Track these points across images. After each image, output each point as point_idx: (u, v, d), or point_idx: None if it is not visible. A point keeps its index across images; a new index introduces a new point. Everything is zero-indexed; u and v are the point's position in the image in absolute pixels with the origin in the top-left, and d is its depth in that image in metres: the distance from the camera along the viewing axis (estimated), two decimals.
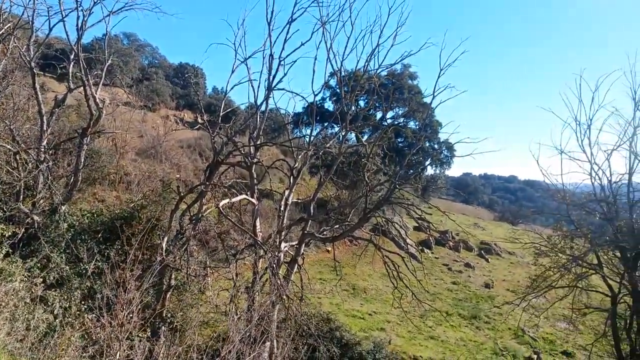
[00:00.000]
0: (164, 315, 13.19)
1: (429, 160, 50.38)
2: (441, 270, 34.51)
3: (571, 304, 18.60)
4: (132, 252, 8.38)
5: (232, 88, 15.11)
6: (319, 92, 14.91)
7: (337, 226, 15.85)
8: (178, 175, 30.05)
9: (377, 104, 17.65)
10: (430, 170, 53.06)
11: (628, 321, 17.20)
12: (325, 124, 30.65)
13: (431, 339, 21.30)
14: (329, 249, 30.95)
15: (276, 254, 13.42)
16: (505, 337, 23.51)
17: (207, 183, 13.83)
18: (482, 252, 40.71)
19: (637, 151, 18.13)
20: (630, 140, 18.09)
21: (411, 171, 36.28)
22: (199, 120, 45.97)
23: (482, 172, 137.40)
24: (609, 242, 17.89)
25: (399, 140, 48.41)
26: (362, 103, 36.61)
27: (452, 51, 12.56)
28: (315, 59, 14.30)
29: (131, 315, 6.54)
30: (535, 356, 20.34)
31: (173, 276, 13.49)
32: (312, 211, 15.24)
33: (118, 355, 6.07)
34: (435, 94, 13.31)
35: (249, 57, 14.79)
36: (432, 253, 37.85)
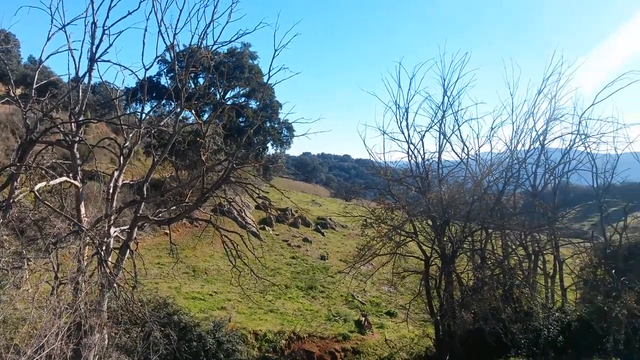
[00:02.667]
0: None
1: (270, 139, 51.37)
2: (281, 246, 35.77)
3: (392, 268, 20.88)
4: None
5: (47, 57, 13.37)
6: (150, 66, 14.03)
7: (174, 207, 15.34)
8: None
9: (216, 82, 17.33)
10: (271, 150, 54.13)
11: (438, 281, 19.96)
12: (162, 101, 29.13)
13: (271, 312, 22.12)
14: (168, 231, 29.83)
15: (105, 239, 12.53)
16: (337, 303, 25.52)
17: (19, 164, 12.19)
18: (319, 226, 43.17)
19: (445, 132, 20.98)
20: (440, 123, 20.86)
21: (255, 151, 36.66)
22: (11, 93, 39.84)
23: (320, 151, 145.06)
24: (423, 212, 20.41)
25: (240, 120, 48.28)
26: (202, 80, 35.59)
27: (285, 33, 12.84)
28: (146, 30, 13.38)
29: None
30: (363, 318, 22.37)
31: None
32: (145, 193, 14.48)
33: None
34: (270, 74, 13.54)
35: (68, 23, 13.19)
36: (272, 230, 38.92)
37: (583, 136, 22.01)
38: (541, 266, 22.59)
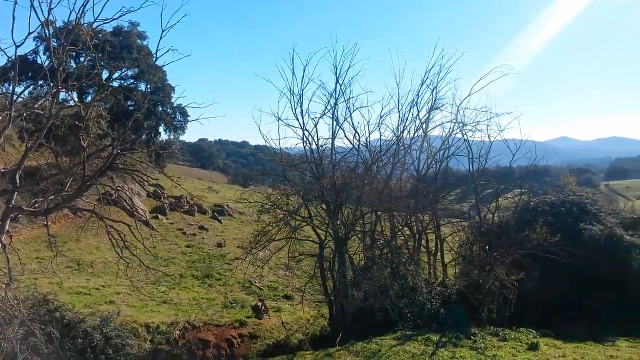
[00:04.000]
0: None
1: (162, 124, 49.13)
2: (176, 236, 34.58)
3: (289, 253, 21.27)
4: None
5: None
6: (22, 44, 12.76)
7: (52, 197, 14.21)
8: None
9: (97, 62, 16.16)
10: (164, 136, 51.77)
11: (332, 263, 20.72)
12: (40, 82, 26.65)
13: (164, 303, 21.42)
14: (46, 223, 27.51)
15: None
16: (235, 290, 25.42)
17: None
18: (216, 214, 42.36)
19: (338, 119, 21.69)
20: (333, 110, 21.52)
21: (142, 136, 34.80)
22: None
23: (218, 138, 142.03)
24: (317, 197, 21.04)
25: (129, 103, 45.53)
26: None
27: (173, 13, 12.35)
28: (16, 4, 12.12)
29: None
30: (260, 303, 22.56)
31: None
32: (18, 181, 13.25)
33: None
34: (158, 56, 13.00)
35: None
36: (167, 219, 37.45)
37: (461, 124, 24.03)
38: (425, 245, 24.33)
